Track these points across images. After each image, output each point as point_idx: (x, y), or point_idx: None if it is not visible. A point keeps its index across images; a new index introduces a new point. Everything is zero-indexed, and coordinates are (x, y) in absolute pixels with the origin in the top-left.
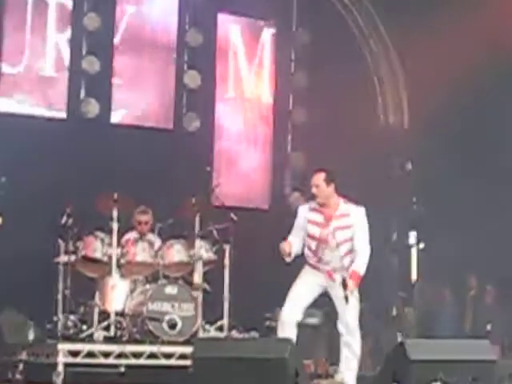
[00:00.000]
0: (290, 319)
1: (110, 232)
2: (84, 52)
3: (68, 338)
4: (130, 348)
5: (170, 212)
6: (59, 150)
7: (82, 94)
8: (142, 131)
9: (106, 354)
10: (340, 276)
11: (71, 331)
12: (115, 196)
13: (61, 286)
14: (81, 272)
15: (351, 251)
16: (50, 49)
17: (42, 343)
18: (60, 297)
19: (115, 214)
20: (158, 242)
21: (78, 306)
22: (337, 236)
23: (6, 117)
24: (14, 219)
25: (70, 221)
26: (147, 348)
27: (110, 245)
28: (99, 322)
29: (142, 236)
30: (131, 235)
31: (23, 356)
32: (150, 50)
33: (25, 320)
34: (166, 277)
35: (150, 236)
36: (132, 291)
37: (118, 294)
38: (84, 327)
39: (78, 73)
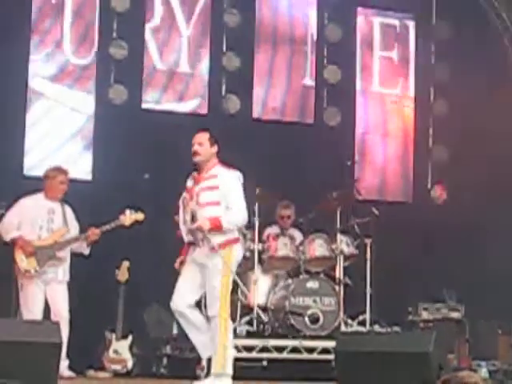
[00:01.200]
0: (176, 309)
1: (251, 227)
2: (224, 48)
3: None
4: (273, 342)
5: (311, 206)
6: None
7: (223, 90)
8: (283, 126)
9: (249, 349)
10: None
11: None
12: (257, 191)
13: None
14: None
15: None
16: (186, 45)
17: (185, 338)
18: None
19: (257, 209)
20: (299, 237)
21: None
22: (200, 197)
23: (147, 113)
24: (155, 216)
25: None
26: (289, 342)
27: (252, 240)
28: (242, 316)
29: (283, 231)
30: (272, 230)
31: (167, 350)
32: (287, 45)
33: (169, 315)
34: (307, 271)
35: (292, 230)
36: (274, 286)
37: (260, 289)
38: None
39: (216, 69)
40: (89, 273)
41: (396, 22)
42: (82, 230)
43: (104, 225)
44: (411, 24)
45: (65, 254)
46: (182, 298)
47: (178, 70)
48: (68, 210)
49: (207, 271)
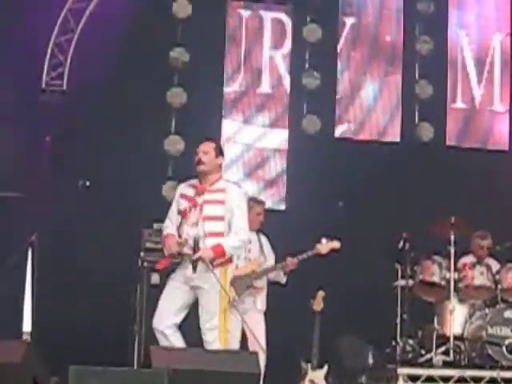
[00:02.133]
0: (157, 328)
1: (447, 256)
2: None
3: (407, 363)
4: (470, 373)
5: (507, 234)
6: (391, 173)
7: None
8: (478, 153)
9: (446, 379)
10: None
11: (410, 355)
12: (452, 220)
13: (399, 310)
14: (418, 296)
15: (217, 234)
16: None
17: (381, 367)
18: (398, 321)
19: (452, 237)
20: (495, 266)
21: (416, 330)
22: (204, 210)
23: (340, 141)
24: (351, 243)
25: (407, 245)
26: (487, 373)
27: (448, 269)
28: (438, 346)
29: (479, 260)
30: (468, 259)
31: (363, 380)
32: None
33: (364, 344)
34: (504, 301)
35: (487, 259)
36: (471, 315)
37: (456, 319)
38: (423, 351)
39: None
40: (284, 302)
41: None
42: (278, 259)
43: (300, 254)
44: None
45: (262, 283)
46: (166, 318)
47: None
48: (264, 239)
49: (203, 292)
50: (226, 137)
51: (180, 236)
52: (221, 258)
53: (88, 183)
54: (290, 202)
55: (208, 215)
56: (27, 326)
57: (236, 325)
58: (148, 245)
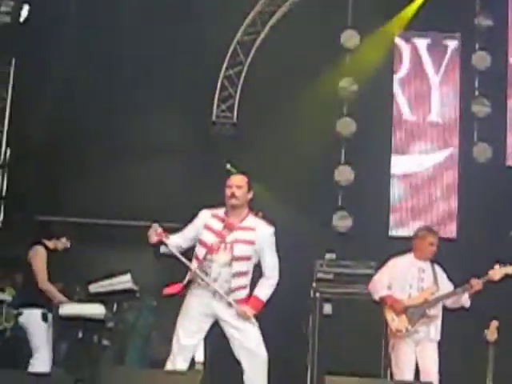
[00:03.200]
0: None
1: None
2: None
3: None
4: None
5: None
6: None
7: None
8: None
9: None
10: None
11: None
12: None
13: None
14: None
15: (246, 274)
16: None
17: None
18: None
19: None
20: None
21: None
22: (234, 249)
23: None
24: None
25: None
26: None
27: None
28: None
29: None
30: None
31: None
32: None
33: None
34: None
35: None
36: None
37: None
38: None
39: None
40: (458, 332)
41: None
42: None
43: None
44: None
45: (436, 311)
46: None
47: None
48: (438, 269)
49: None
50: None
51: (206, 273)
52: (259, 309)
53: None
54: (461, 232)
55: (239, 255)
56: (200, 355)
57: (410, 356)
58: (320, 275)
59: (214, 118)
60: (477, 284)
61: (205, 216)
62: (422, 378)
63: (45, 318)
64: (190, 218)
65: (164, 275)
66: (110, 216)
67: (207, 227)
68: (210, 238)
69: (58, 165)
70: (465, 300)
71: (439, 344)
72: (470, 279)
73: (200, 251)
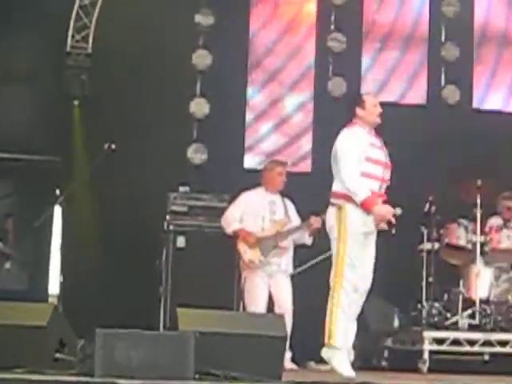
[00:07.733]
0: None
1: (473, 219)
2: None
3: (433, 326)
4: (496, 336)
5: None
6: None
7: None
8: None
9: (471, 342)
10: None
11: (436, 319)
12: (479, 183)
13: (424, 273)
14: (444, 259)
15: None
16: None
17: (407, 330)
18: (424, 284)
19: (479, 200)
20: None
21: (442, 293)
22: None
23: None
24: None
25: (433, 208)
26: None
27: (474, 232)
28: (463, 309)
29: (505, 223)
30: (494, 222)
31: (388, 343)
32: None
33: (390, 307)
34: None
35: None
36: (496, 279)
37: (482, 282)
38: (448, 315)
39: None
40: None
41: None
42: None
43: (324, 213)
44: None
45: (288, 243)
46: None
47: None
48: (288, 202)
49: None
50: None
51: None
52: None
53: (114, 146)
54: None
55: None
56: (54, 288)
57: (263, 288)
58: (174, 208)
59: (68, 48)
60: (315, 221)
61: (361, 134)
62: (277, 310)
63: None
64: (36, 149)
65: None
66: None
67: (372, 144)
68: (380, 155)
69: None
70: (306, 238)
71: (292, 277)
72: (309, 217)
73: (373, 170)
